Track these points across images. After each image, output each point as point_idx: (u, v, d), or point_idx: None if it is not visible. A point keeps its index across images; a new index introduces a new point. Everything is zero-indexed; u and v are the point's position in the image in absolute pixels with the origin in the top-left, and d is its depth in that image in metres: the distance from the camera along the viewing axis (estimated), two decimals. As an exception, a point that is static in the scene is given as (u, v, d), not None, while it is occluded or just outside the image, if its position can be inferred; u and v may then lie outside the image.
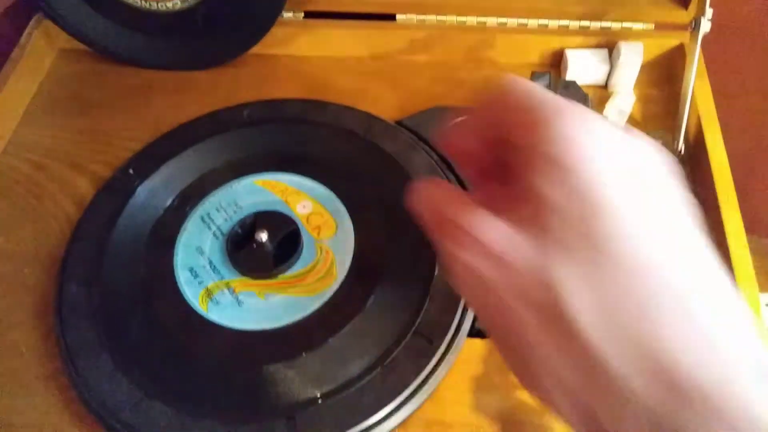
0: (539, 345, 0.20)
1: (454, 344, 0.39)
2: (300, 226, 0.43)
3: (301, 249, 0.42)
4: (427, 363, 0.37)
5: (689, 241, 0.20)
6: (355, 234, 0.43)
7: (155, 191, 0.45)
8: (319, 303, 0.40)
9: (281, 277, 0.41)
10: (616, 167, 0.20)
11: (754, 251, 0.72)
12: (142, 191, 0.45)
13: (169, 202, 0.45)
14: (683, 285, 0.19)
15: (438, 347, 0.38)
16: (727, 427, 0.18)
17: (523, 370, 0.22)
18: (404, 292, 0.40)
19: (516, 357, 0.22)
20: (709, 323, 0.19)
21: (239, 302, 0.40)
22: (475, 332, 0.40)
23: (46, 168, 0.50)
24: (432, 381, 0.37)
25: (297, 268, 0.42)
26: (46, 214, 0.47)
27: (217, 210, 0.44)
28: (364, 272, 0.41)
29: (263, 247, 0.42)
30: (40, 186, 0.49)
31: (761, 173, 0.74)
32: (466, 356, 0.39)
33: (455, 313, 0.39)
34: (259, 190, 0.45)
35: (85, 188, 0.48)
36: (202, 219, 0.44)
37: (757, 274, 0.71)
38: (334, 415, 0.36)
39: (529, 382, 0.22)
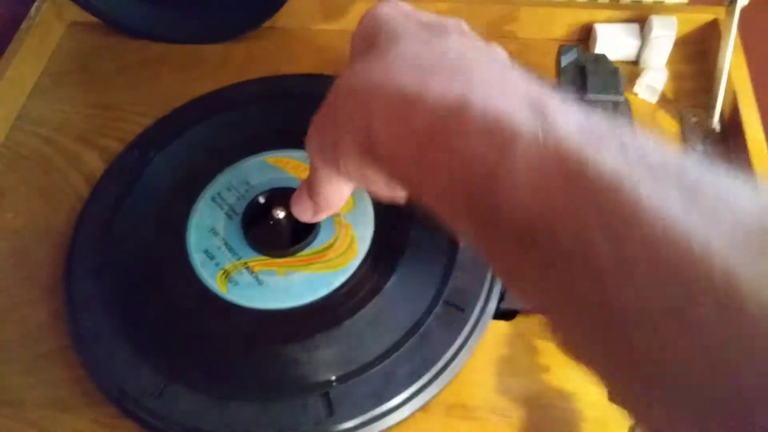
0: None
1: (485, 312, 0.37)
2: None
3: (320, 225, 0.40)
4: (461, 331, 0.36)
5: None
6: (373, 206, 0.41)
7: (162, 172, 0.44)
8: (342, 278, 0.38)
9: (301, 254, 0.40)
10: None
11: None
12: (149, 172, 0.44)
13: (177, 182, 0.43)
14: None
15: (470, 315, 0.37)
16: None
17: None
18: (430, 261, 0.39)
19: None
20: None
21: (259, 281, 0.39)
22: (499, 314, 0.38)
23: (56, 143, 0.48)
24: (465, 351, 0.36)
25: (317, 245, 0.40)
26: (55, 190, 0.46)
27: (228, 189, 0.42)
28: (387, 244, 0.40)
29: (280, 225, 0.40)
30: (50, 161, 0.47)
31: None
32: (490, 338, 0.38)
33: (484, 281, 0.38)
34: (270, 167, 0.44)
35: (95, 163, 0.47)
36: (213, 199, 0.42)
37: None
38: (369, 389, 0.35)
39: None
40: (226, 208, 0.42)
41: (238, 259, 0.40)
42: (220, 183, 0.43)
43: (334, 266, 0.39)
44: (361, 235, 0.40)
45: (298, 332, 0.37)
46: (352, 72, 0.26)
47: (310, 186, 0.33)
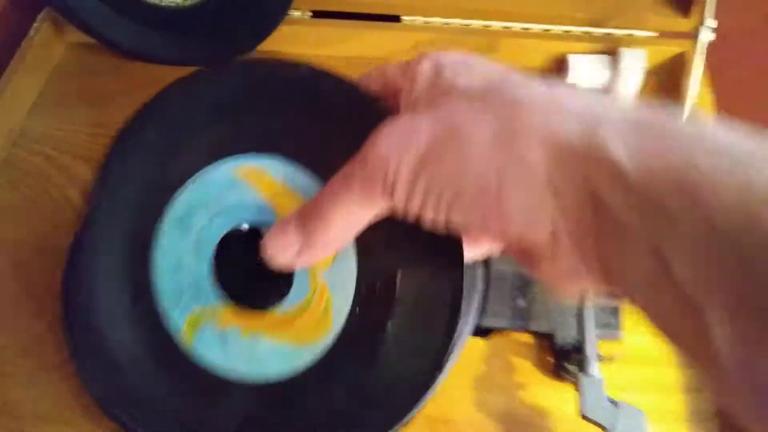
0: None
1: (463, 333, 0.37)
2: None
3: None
4: None
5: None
6: (357, 263, 0.32)
7: (118, 191, 0.38)
8: (309, 357, 0.32)
9: (270, 314, 0.33)
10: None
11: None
12: (106, 194, 0.38)
13: (136, 201, 0.37)
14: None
15: None
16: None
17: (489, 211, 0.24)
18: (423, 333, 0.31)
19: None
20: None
21: (223, 340, 0.34)
22: (477, 331, 0.41)
23: (56, 160, 0.50)
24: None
25: (288, 305, 0.33)
26: (54, 206, 0.48)
27: (193, 211, 0.35)
28: (368, 320, 0.32)
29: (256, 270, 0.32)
30: (50, 178, 0.49)
31: None
32: (469, 355, 0.40)
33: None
34: (240, 184, 0.34)
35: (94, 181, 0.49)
36: (180, 223, 0.35)
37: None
38: None
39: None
40: (194, 235, 0.34)
41: (206, 304, 0.34)
42: (184, 201, 0.35)
43: (303, 339, 0.32)
44: (338, 307, 0.32)
45: (258, 411, 0.33)
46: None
47: (310, 211, 0.27)
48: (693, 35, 0.48)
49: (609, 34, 0.54)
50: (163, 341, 0.34)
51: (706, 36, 0.47)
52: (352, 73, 0.54)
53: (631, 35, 0.53)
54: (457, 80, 0.26)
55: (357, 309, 0.32)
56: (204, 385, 0.34)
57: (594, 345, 0.36)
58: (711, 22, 0.47)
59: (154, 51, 0.55)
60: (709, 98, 0.49)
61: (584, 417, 0.33)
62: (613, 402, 0.34)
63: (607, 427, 0.33)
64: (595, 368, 0.35)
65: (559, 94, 0.24)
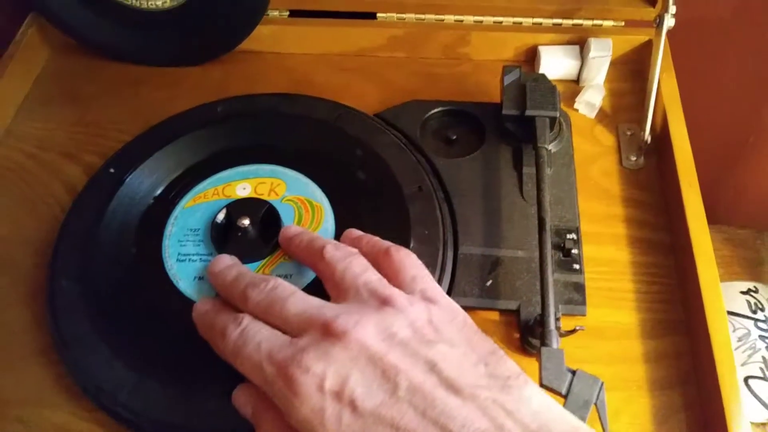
0: None
1: None
2: (269, 202, 0.45)
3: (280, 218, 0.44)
4: None
5: None
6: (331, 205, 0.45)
7: (135, 188, 0.47)
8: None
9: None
10: None
11: (729, 241, 0.75)
12: (124, 188, 0.46)
13: (151, 197, 0.47)
14: None
15: None
16: None
17: None
18: None
19: None
20: None
21: None
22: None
23: (40, 157, 0.52)
24: None
25: None
26: (39, 201, 0.49)
27: (181, 242, 0.45)
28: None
29: (248, 232, 0.44)
30: (34, 174, 0.51)
31: (736, 165, 0.77)
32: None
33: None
34: (195, 208, 0.46)
35: (78, 177, 0.50)
36: (179, 260, 0.44)
37: (731, 263, 0.73)
38: None
39: None
40: (195, 259, 0.44)
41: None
42: (173, 236, 0.45)
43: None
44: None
45: None
46: None
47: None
48: (655, 23, 0.49)
49: (577, 24, 0.55)
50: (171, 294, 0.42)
51: (669, 22, 0.48)
52: (330, 71, 0.56)
53: (599, 25, 0.55)
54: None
55: None
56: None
57: (554, 318, 0.37)
58: (672, 9, 0.48)
59: (135, 52, 0.57)
60: (673, 85, 0.50)
61: (543, 386, 0.34)
62: (572, 371, 0.35)
63: (563, 393, 0.34)
64: (554, 340, 0.36)
65: None
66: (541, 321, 0.38)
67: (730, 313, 0.65)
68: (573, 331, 0.38)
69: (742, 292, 0.66)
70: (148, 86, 0.56)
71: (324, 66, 0.57)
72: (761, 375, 0.61)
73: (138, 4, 0.54)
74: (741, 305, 0.65)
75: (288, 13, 0.57)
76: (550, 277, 0.39)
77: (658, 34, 0.48)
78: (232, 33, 0.56)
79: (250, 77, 0.56)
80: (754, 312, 0.65)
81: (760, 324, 0.64)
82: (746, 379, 0.61)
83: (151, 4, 0.54)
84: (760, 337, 0.63)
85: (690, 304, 0.41)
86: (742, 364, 0.62)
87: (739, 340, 0.63)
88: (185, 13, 0.55)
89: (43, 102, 0.56)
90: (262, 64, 0.57)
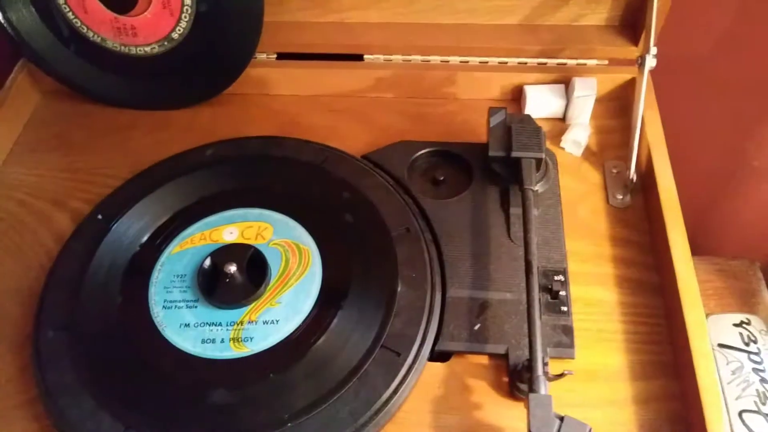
0: None
1: (421, 355, 0.41)
2: (255, 246, 0.45)
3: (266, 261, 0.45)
4: (397, 373, 0.39)
5: None
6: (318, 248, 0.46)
7: (122, 235, 0.47)
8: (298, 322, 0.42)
9: (268, 290, 0.44)
10: None
11: (722, 272, 0.75)
12: (110, 236, 0.47)
13: (137, 243, 0.47)
14: None
15: (406, 358, 0.40)
16: None
17: None
18: (369, 308, 0.42)
19: None
20: None
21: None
22: (434, 356, 0.42)
23: (29, 205, 0.52)
24: (402, 391, 0.39)
25: (274, 275, 0.44)
26: (27, 250, 0.49)
27: (167, 288, 0.45)
28: (329, 299, 0.43)
29: (235, 278, 0.44)
30: (23, 222, 0.51)
31: (725, 196, 0.77)
32: (426, 379, 0.41)
33: (420, 326, 0.41)
34: (182, 254, 0.46)
35: (65, 224, 0.50)
36: (165, 307, 0.44)
37: (723, 295, 0.73)
38: (313, 430, 0.38)
39: None
40: (181, 304, 0.44)
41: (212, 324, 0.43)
42: (159, 283, 0.45)
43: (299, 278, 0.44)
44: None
45: (249, 377, 0.40)
46: None
47: None
48: (638, 63, 0.50)
49: (562, 64, 0.56)
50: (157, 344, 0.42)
51: (651, 62, 0.49)
52: (318, 112, 0.56)
53: (583, 64, 0.56)
54: None
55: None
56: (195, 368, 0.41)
57: (542, 364, 0.37)
58: (653, 50, 0.49)
59: (124, 97, 0.57)
60: (657, 124, 0.51)
61: (531, 435, 0.34)
62: (560, 417, 0.34)
63: (551, 441, 0.33)
64: (542, 386, 0.36)
65: None
66: (529, 366, 0.37)
67: (723, 346, 0.65)
68: (561, 375, 0.38)
69: (735, 325, 0.66)
70: (137, 130, 0.57)
71: (311, 107, 0.58)
72: (755, 408, 0.60)
73: (127, 51, 0.55)
74: (734, 338, 0.65)
75: (276, 55, 0.58)
76: (538, 321, 0.39)
77: (641, 73, 0.49)
78: (221, 76, 0.57)
79: (238, 119, 0.57)
80: (747, 344, 0.64)
81: (753, 357, 0.63)
82: (740, 414, 0.60)
83: (140, 50, 0.55)
84: (754, 369, 0.62)
85: (677, 346, 0.41)
86: (737, 398, 0.61)
87: (733, 373, 0.62)
88: (173, 58, 0.55)
89: (33, 148, 0.56)
90: (250, 107, 0.58)
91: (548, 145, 0.51)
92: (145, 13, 0.52)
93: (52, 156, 0.56)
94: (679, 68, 0.56)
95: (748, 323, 0.67)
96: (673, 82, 0.56)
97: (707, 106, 0.66)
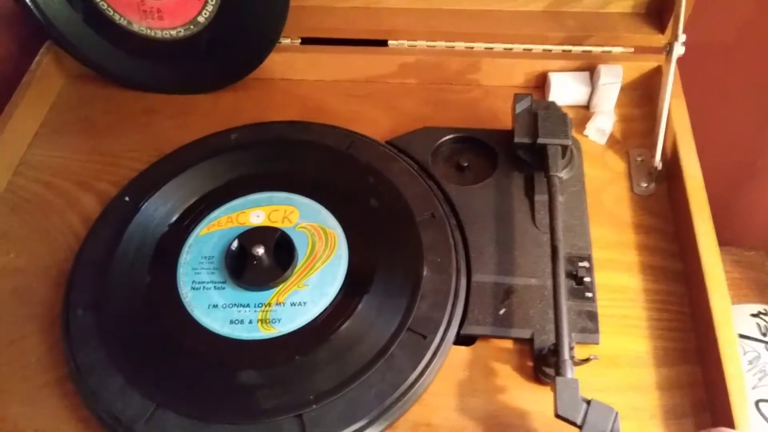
0: None
1: (446, 339, 0.41)
2: (282, 229, 0.46)
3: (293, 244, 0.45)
4: (423, 356, 0.40)
5: None
6: (348, 248, 0.45)
7: (150, 216, 0.48)
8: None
9: (295, 272, 0.44)
10: None
11: (738, 263, 0.75)
12: (139, 216, 0.47)
13: (165, 224, 0.48)
14: None
15: (432, 341, 0.40)
16: None
17: None
18: (395, 292, 0.43)
19: None
20: None
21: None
22: (460, 340, 0.42)
23: (55, 187, 0.52)
24: (428, 374, 0.40)
25: (301, 258, 0.45)
26: (54, 231, 0.50)
27: (195, 270, 0.45)
28: (356, 281, 0.44)
29: (263, 260, 0.44)
30: (50, 204, 0.51)
31: (744, 187, 0.77)
32: (451, 362, 0.41)
33: (445, 310, 0.41)
34: (209, 236, 0.47)
35: (92, 206, 0.51)
36: (193, 288, 0.44)
37: (740, 286, 0.73)
38: (339, 411, 0.38)
39: None
40: (210, 286, 0.44)
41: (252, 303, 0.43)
42: (186, 264, 0.46)
43: (325, 262, 0.45)
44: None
45: (276, 358, 0.41)
46: None
47: None
48: (665, 50, 0.49)
49: (587, 51, 0.55)
50: (186, 322, 0.43)
51: (679, 50, 0.49)
52: (341, 97, 0.57)
53: (608, 52, 0.55)
54: None
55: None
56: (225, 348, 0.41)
57: (568, 348, 0.37)
58: (682, 37, 0.48)
59: (149, 80, 0.58)
60: (683, 112, 0.51)
61: (558, 416, 0.34)
62: (587, 401, 0.35)
63: (579, 423, 0.34)
64: (569, 370, 0.36)
65: None
66: (555, 350, 0.38)
67: (741, 336, 0.65)
68: (587, 360, 0.39)
69: (752, 315, 0.66)
70: (161, 114, 0.57)
71: (335, 93, 0.58)
72: (773, 398, 0.61)
73: (153, 34, 0.55)
74: (751, 328, 0.65)
75: (300, 40, 0.58)
76: (564, 307, 0.39)
77: (668, 61, 0.49)
78: (245, 61, 0.57)
79: (262, 104, 0.57)
80: (764, 334, 0.65)
81: (771, 346, 0.64)
82: (757, 403, 0.61)
83: (166, 34, 0.55)
84: (772, 359, 0.63)
85: (702, 334, 0.41)
86: (753, 387, 0.62)
87: (750, 363, 0.63)
88: (198, 41, 0.55)
89: (58, 131, 0.57)
90: (273, 92, 0.58)
91: (572, 132, 0.51)
92: (172, -3, 0.53)
93: (76, 139, 0.56)
94: (703, 57, 0.56)
95: (765, 313, 0.67)
96: (697, 70, 0.56)
97: (728, 95, 0.66)
